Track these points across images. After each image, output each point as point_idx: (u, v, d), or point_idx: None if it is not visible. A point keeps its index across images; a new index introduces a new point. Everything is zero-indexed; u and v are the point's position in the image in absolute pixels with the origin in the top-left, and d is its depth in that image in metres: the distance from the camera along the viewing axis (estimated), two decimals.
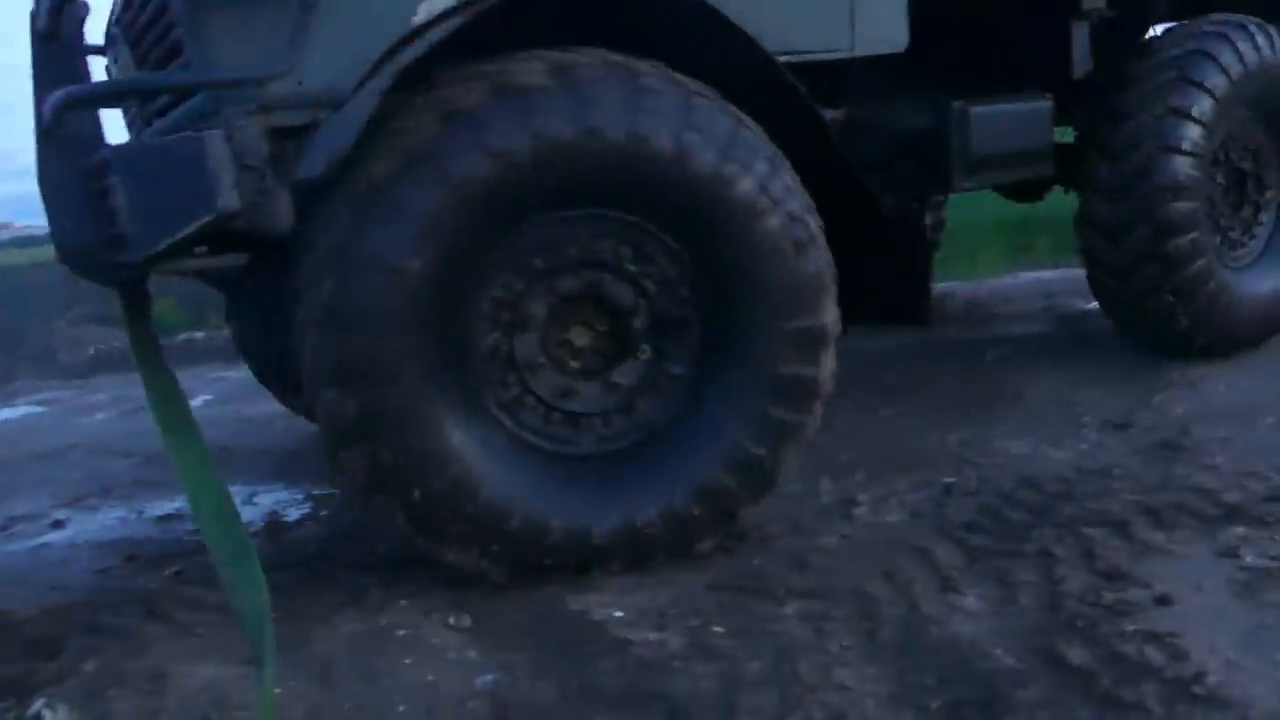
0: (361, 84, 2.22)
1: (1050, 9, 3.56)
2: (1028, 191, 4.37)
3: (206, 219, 2.10)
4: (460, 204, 2.20)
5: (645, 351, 2.51)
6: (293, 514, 3.33)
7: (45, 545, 3.35)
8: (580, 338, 2.49)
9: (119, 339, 9.44)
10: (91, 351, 7.71)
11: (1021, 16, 3.53)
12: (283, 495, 3.55)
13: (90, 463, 4.37)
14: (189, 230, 2.12)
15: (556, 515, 2.38)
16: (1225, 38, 3.69)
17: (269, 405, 4.95)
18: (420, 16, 2.26)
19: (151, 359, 2.41)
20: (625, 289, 2.45)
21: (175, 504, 3.57)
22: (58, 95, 2.15)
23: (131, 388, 6.36)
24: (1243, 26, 3.77)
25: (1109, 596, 2.15)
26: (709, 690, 1.94)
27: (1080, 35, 3.61)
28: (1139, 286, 3.63)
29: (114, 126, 6.12)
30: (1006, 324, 5.07)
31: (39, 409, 6.15)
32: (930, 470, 3.05)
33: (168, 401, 2.37)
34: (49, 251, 2.85)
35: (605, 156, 2.29)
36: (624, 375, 2.51)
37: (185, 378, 6.34)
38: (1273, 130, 3.89)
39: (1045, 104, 3.49)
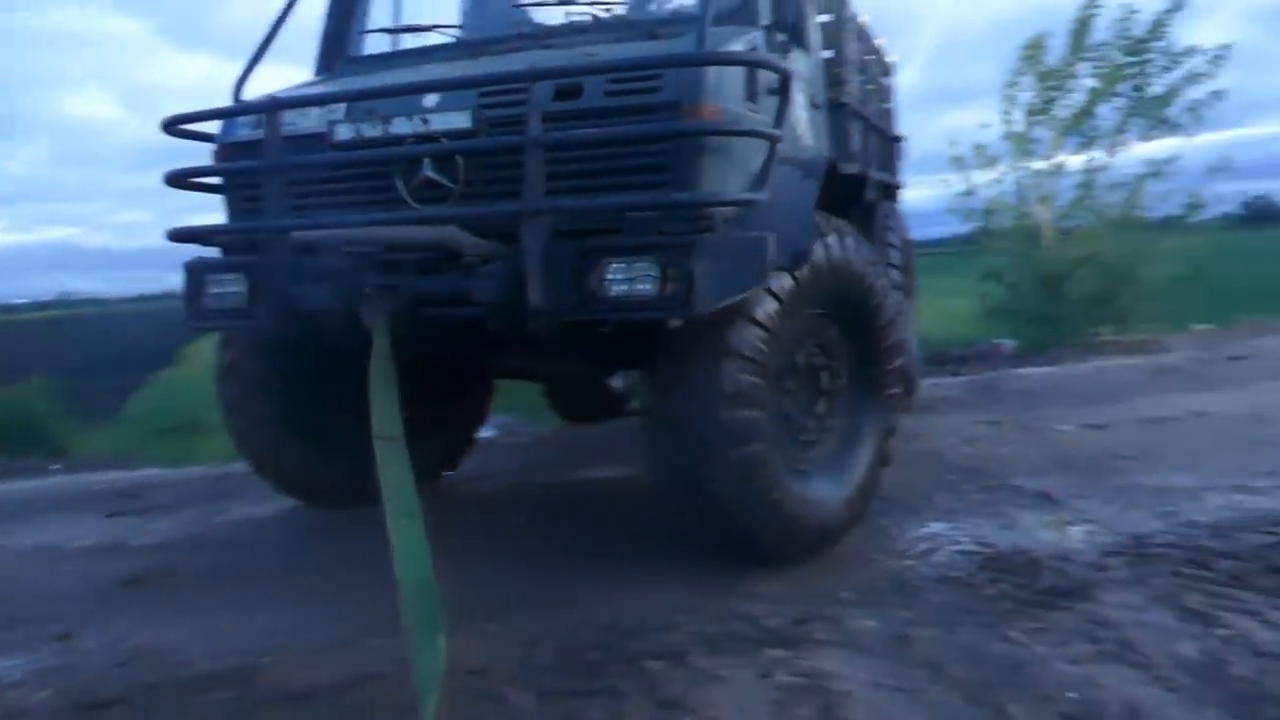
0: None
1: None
2: None
3: (757, 288, 3.09)
4: (782, 309, 3.23)
5: (828, 400, 3.64)
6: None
7: None
8: (796, 392, 3.51)
9: None
10: None
11: None
12: None
13: None
14: (741, 295, 3.04)
15: (810, 512, 3.39)
16: None
17: None
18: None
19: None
20: (822, 358, 3.60)
21: None
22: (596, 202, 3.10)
23: None
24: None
25: None
26: None
27: None
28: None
29: None
30: (578, 469, 5.35)
31: None
32: (519, 617, 3.08)
33: (405, 482, 2.84)
34: None
35: (839, 279, 3.49)
36: (819, 411, 3.61)
37: None
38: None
39: None
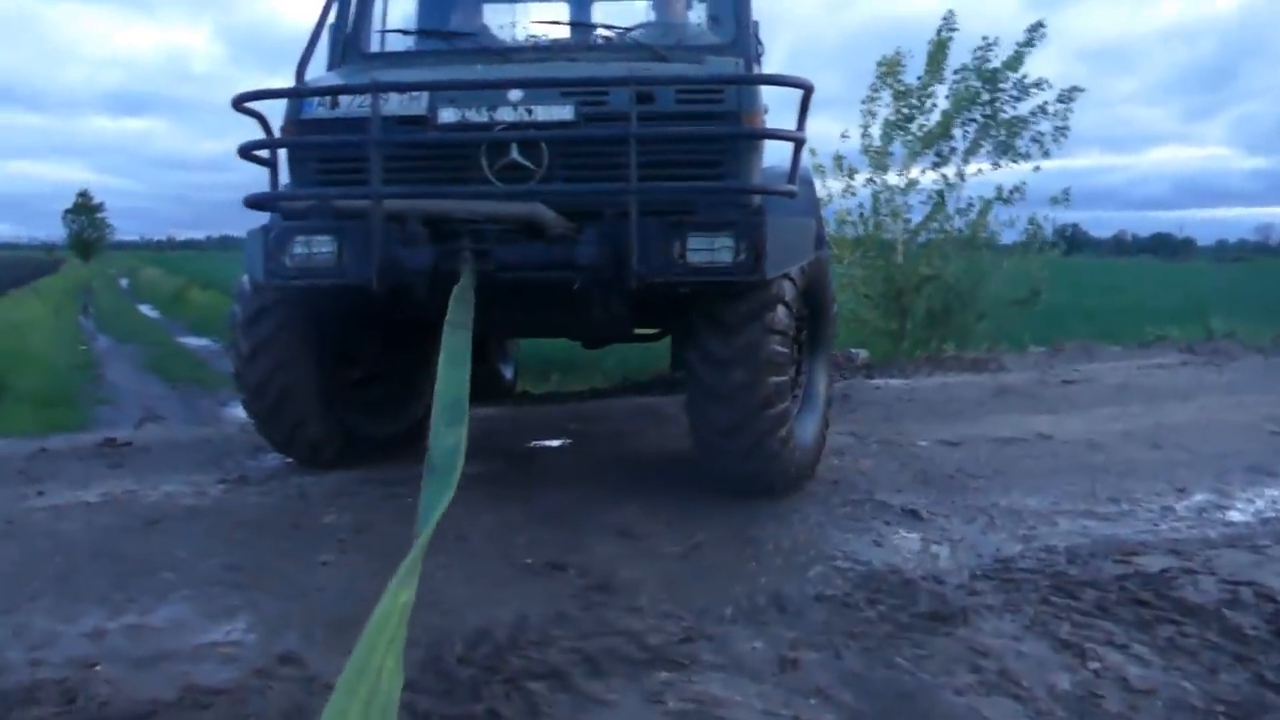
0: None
1: None
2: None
3: (804, 262, 4.13)
4: (795, 293, 4.11)
5: (798, 356, 4.43)
6: None
7: None
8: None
9: None
10: None
11: None
12: None
13: None
14: (795, 265, 4.03)
15: (802, 451, 4.29)
16: None
17: None
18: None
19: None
20: (797, 331, 4.27)
21: None
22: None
23: None
24: None
25: None
26: None
27: None
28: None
29: None
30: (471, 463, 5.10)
31: None
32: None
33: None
34: None
35: (817, 268, 4.45)
36: (796, 373, 4.36)
37: None
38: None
39: None
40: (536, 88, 3.79)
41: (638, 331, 5.04)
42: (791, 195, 3.87)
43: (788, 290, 4.01)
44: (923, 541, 3.79)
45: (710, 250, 3.60)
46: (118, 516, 4.03)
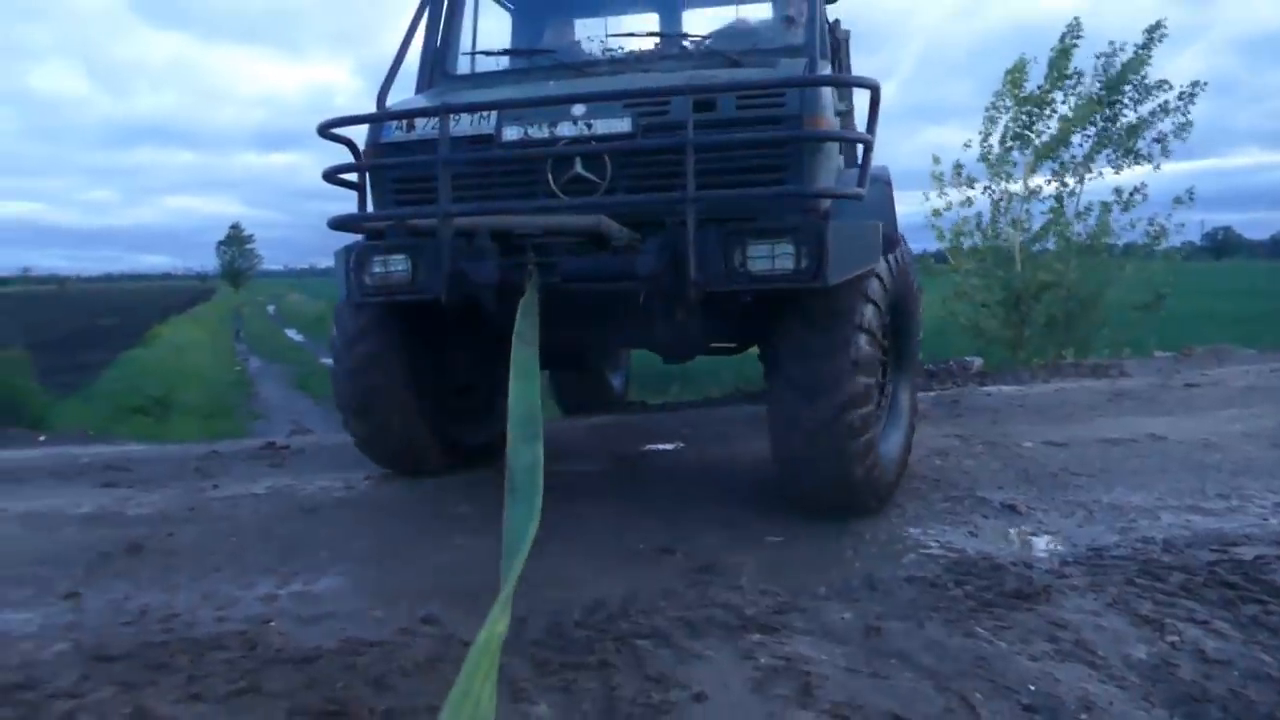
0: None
1: None
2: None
3: (871, 266, 3.86)
4: (884, 293, 4.01)
5: (886, 370, 4.31)
6: None
7: None
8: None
9: None
10: None
11: None
12: None
13: None
14: (860, 271, 3.77)
15: (886, 465, 4.15)
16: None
17: None
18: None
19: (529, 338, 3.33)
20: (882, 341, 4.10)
21: None
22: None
23: None
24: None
25: (656, 697, 2.45)
26: None
27: None
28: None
29: None
30: (570, 461, 5.49)
31: None
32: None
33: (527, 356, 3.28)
34: None
35: (901, 277, 4.31)
36: (881, 384, 4.22)
37: None
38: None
39: None
40: (593, 102, 3.81)
41: (716, 345, 4.88)
42: (858, 198, 3.72)
43: (875, 289, 3.91)
44: (1018, 532, 3.93)
45: (771, 257, 3.54)
46: (280, 505, 4.55)
